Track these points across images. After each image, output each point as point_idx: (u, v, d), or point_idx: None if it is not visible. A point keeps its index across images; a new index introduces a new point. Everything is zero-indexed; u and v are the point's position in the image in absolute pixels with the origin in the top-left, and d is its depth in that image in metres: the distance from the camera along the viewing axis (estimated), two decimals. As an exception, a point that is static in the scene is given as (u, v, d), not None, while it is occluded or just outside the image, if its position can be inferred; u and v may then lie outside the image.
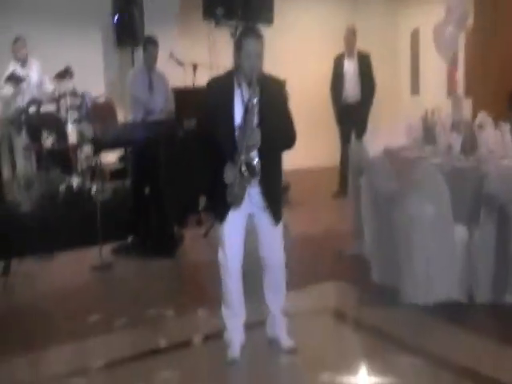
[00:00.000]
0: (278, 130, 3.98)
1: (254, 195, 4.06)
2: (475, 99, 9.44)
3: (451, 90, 10.00)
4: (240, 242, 4.15)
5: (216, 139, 3.97)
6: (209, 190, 4.33)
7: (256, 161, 3.92)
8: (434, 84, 10.15)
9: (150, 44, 7.00)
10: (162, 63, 7.23)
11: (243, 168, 3.90)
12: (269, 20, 8.09)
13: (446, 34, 6.81)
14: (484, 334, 4.46)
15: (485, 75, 9.27)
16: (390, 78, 10.63)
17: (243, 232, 4.16)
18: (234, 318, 4.26)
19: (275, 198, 4.18)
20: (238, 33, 4.09)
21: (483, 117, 7.19)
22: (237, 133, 3.92)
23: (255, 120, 3.91)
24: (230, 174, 3.92)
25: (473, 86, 9.68)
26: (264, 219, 4.13)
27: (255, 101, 3.88)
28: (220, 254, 4.17)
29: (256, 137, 3.89)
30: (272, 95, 4.02)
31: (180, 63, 7.12)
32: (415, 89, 11.04)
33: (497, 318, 4.78)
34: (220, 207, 4.09)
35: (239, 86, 3.98)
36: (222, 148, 3.96)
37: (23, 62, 8.11)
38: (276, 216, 4.13)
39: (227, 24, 7.59)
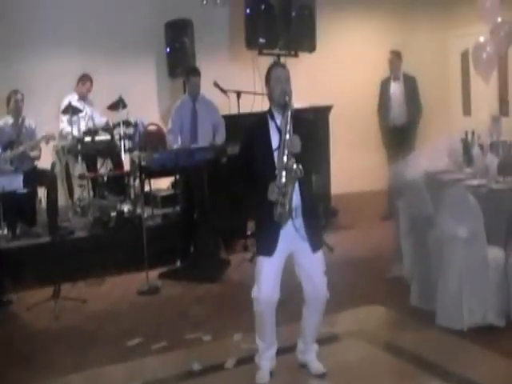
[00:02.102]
0: (312, 155, 4.04)
1: (293, 229, 4.02)
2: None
3: (503, 111, 9.79)
4: (277, 280, 4.11)
5: (258, 173, 4.03)
6: (257, 224, 4.34)
7: (295, 165, 3.90)
8: (486, 104, 9.93)
9: (192, 74, 7.13)
10: (210, 91, 7.35)
11: (284, 174, 3.91)
12: (311, 48, 8.12)
13: (484, 54, 6.68)
14: (520, 359, 4.33)
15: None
16: (441, 99, 10.48)
17: (281, 271, 4.13)
18: (267, 350, 4.27)
19: (314, 223, 4.16)
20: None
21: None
22: (275, 154, 3.98)
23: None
24: (273, 192, 3.93)
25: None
26: (305, 251, 4.09)
27: (289, 121, 3.93)
28: (255, 289, 4.15)
29: (296, 143, 3.90)
30: (305, 127, 4.09)
31: (223, 91, 7.20)
32: (467, 110, 10.83)
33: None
34: (268, 242, 4.07)
35: (272, 117, 4.10)
36: (263, 173, 3.99)
37: (82, 97, 8.33)
38: (315, 243, 4.11)
39: (270, 52, 7.67)
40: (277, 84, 4.07)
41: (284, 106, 3.98)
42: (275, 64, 4.38)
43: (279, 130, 4.02)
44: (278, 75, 4.10)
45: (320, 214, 4.47)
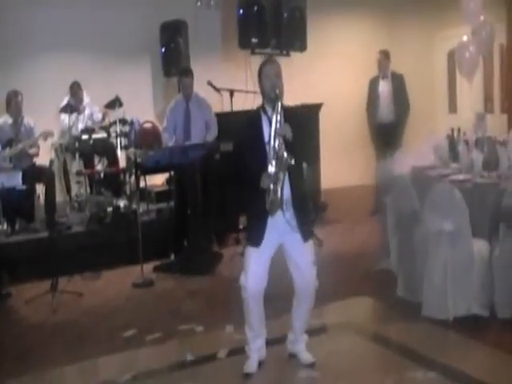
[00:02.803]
0: (302, 146, 4.01)
1: (283, 220, 3.99)
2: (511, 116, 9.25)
3: (488, 108, 9.81)
4: (264, 270, 4.09)
5: (249, 161, 3.99)
6: (247, 216, 4.31)
7: (285, 155, 3.87)
8: (472, 102, 9.94)
9: (185, 75, 7.10)
10: (204, 90, 7.32)
11: (275, 162, 3.88)
12: (302, 48, 8.11)
13: (468, 54, 6.66)
14: (504, 350, 4.32)
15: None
16: (427, 97, 10.49)
17: (270, 258, 4.10)
18: (256, 339, 4.25)
19: (304, 213, 4.12)
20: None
21: (515, 133, 7.04)
22: (267, 146, 3.94)
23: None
24: (265, 180, 3.90)
25: (509, 103, 9.51)
26: (295, 241, 4.06)
27: (279, 111, 3.91)
28: (242, 278, 4.12)
29: (288, 131, 3.88)
30: (296, 119, 4.05)
31: (217, 90, 7.17)
32: (453, 107, 10.83)
33: (517, 333, 4.59)
34: (256, 232, 4.04)
35: (265, 112, 4.07)
36: (256, 164, 3.94)
37: (77, 103, 8.27)
38: (305, 234, 4.08)
39: (262, 52, 7.65)
40: (267, 79, 4.05)
41: (274, 99, 3.95)
42: (267, 60, 4.34)
43: (271, 124, 3.97)
44: (268, 70, 4.08)
45: (310, 206, 4.39)
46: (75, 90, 8.27)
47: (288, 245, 4.10)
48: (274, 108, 3.97)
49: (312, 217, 4.30)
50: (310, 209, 4.41)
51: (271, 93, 4.00)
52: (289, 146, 3.88)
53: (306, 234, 4.10)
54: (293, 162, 3.86)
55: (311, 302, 4.25)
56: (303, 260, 4.12)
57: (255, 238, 4.04)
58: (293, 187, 4.01)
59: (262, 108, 4.10)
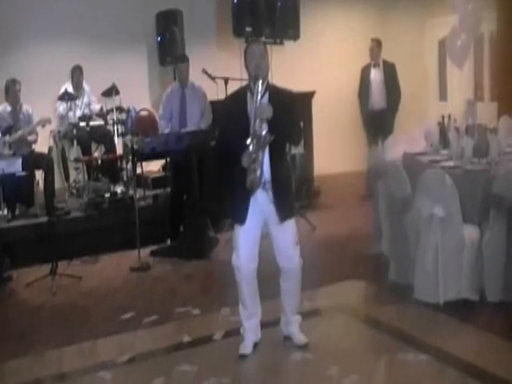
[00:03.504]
0: (286, 126, 3.95)
1: (265, 199, 3.99)
2: (501, 103, 9.21)
3: (478, 96, 9.78)
4: (254, 246, 4.09)
5: (233, 141, 3.94)
6: (230, 194, 4.19)
7: (265, 131, 3.82)
8: (462, 90, 9.91)
9: (181, 60, 7.05)
10: (199, 78, 7.26)
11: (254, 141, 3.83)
12: (295, 36, 8.07)
13: (458, 42, 6.61)
14: (494, 333, 4.31)
15: (510, 79, 9.04)
16: (418, 85, 10.42)
17: (258, 237, 4.10)
18: (249, 319, 4.23)
19: (284, 194, 4.07)
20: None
21: (505, 120, 7.02)
22: (251, 126, 3.88)
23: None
24: (246, 158, 3.85)
25: (498, 91, 9.47)
26: (276, 222, 4.05)
27: (259, 90, 3.85)
28: (234, 257, 4.13)
29: (267, 110, 3.83)
30: (281, 99, 3.99)
31: (212, 78, 7.10)
32: (443, 95, 10.80)
33: (507, 317, 4.57)
34: (239, 210, 4.02)
35: (251, 91, 3.99)
36: (238, 142, 3.88)
37: (77, 87, 8.24)
38: (283, 214, 4.03)
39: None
40: (251, 59, 3.99)
41: (258, 78, 3.90)
42: (252, 40, 4.37)
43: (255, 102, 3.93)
44: (253, 50, 4.03)
45: (292, 187, 4.34)
46: (77, 73, 8.22)
47: (270, 224, 4.08)
48: (255, 80, 3.91)
49: (292, 200, 4.21)
50: (291, 190, 4.38)
51: (254, 72, 3.94)
52: (271, 125, 3.84)
53: (284, 215, 4.04)
54: (271, 139, 3.80)
55: (297, 282, 4.21)
56: (285, 240, 4.10)
57: (239, 216, 4.03)
58: (273, 167, 3.97)
59: (248, 87, 4.03)
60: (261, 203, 3.99)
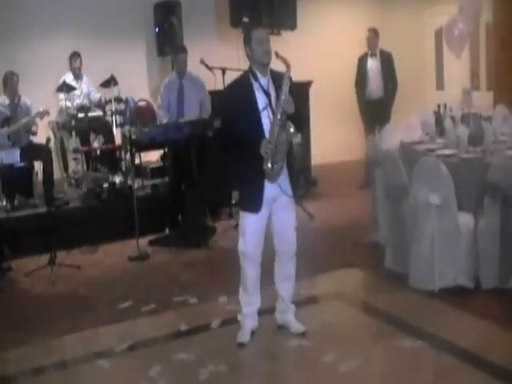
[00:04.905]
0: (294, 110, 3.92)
1: (275, 185, 3.96)
2: (497, 92, 9.20)
3: (474, 85, 9.76)
4: (262, 232, 4.09)
5: (243, 132, 3.87)
6: (241, 183, 4.16)
7: (292, 130, 3.82)
8: (458, 79, 9.89)
9: (179, 52, 7.03)
10: (197, 68, 7.23)
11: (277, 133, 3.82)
12: (292, 26, 8.04)
13: (456, 31, 6.59)
14: (489, 319, 4.32)
15: (506, 69, 9.02)
16: (416, 74, 10.38)
17: (265, 223, 4.09)
18: (250, 305, 4.23)
19: (295, 178, 4.11)
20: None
21: (501, 109, 7.01)
22: (262, 115, 3.88)
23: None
24: (266, 145, 3.81)
25: (494, 80, 9.45)
26: (283, 205, 4.04)
27: (287, 82, 3.83)
28: (240, 242, 4.11)
29: (291, 103, 3.83)
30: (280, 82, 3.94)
31: (209, 68, 7.07)
32: (440, 84, 10.78)
33: (502, 304, 4.60)
34: (253, 198, 3.98)
35: (255, 78, 3.93)
36: (251, 136, 3.85)
37: (76, 75, 8.26)
38: (295, 191, 4.06)
39: (253, 31, 7.54)
40: (259, 45, 3.89)
41: (266, 65, 3.87)
42: (256, 25, 4.21)
43: (264, 91, 3.90)
44: (260, 36, 3.91)
45: (296, 170, 4.34)
46: (75, 58, 8.25)
47: (277, 208, 4.07)
48: (263, 74, 3.89)
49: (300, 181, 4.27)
50: (297, 174, 4.40)
51: (264, 59, 3.88)
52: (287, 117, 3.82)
53: (295, 192, 4.09)
54: (299, 138, 3.82)
55: (291, 267, 4.22)
56: (285, 222, 4.11)
57: (253, 204, 3.99)
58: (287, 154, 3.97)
59: (252, 73, 3.94)
60: (271, 189, 3.96)
